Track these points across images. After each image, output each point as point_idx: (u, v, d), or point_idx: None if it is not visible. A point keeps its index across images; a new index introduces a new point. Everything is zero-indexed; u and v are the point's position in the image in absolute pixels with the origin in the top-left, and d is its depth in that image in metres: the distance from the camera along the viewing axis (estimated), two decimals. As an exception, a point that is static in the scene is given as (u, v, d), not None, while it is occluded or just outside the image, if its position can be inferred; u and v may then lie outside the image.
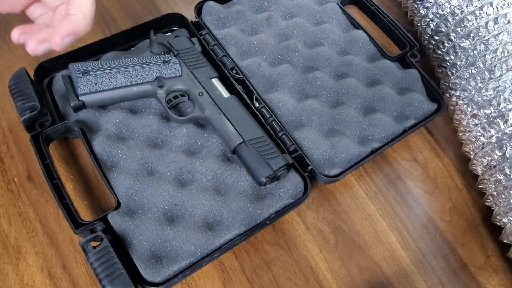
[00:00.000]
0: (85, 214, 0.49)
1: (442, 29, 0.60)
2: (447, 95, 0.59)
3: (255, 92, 0.56)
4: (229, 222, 0.47)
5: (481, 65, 0.53)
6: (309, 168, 0.51)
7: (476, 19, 0.54)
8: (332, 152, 0.53)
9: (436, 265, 0.50)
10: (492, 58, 0.52)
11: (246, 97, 0.54)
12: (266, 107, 0.55)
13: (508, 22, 0.52)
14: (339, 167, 0.52)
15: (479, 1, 0.54)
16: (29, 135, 0.48)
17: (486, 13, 0.53)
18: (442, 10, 0.59)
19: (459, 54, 0.56)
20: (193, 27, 0.59)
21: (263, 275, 0.48)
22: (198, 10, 0.62)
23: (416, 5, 0.64)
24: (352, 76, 0.60)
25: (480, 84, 0.53)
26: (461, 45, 0.56)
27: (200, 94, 0.52)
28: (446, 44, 0.59)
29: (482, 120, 0.52)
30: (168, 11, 0.61)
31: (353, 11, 0.68)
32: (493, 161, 0.51)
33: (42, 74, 0.53)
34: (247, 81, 0.57)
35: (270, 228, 0.51)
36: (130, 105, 0.54)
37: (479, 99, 0.52)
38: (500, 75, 0.50)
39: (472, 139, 0.53)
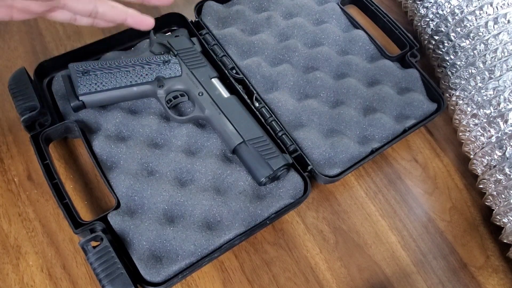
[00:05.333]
0: (85, 214, 0.49)
1: (442, 29, 0.60)
2: (447, 95, 0.59)
3: (255, 92, 0.56)
4: (229, 222, 0.47)
5: (481, 65, 0.53)
6: (309, 168, 0.51)
7: (476, 19, 0.54)
8: (332, 152, 0.53)
9: (436, 265, 0.50)
10: (492, 58, 0.52)
11: (246, 97, 0.54)
12: (266, 107, 0.55)
13: (508, 22, 0.51)
14: (339, 167, 0.52)
15: (479, 1, 0.54)
16: (29, 135, 0.48)
17: (486, 13, 0.53)
18: (442, 10, 0.59)
19: (459, 54, 0.56)
20: (193, 27, 0.59)
21: (263, 275, 0.48)
22: (198, 10, 0.62)
23: (416, 5, 0.64)
24: (352, 76, 0.60)
25: (480, 84, 0.53)
26: (461, 45, 0.56)
27: (200, 94, 0.52)
28: (446, 44, 0.59)
29: (482, 120, 0.52)
30: (168, 11, 0.61)
31: (353, 11, 0.68)
32: (493, 161, 0.51)
33: (42, 74, 0.53)
34: (247, 81, 0.57)
35: (270, 228, 0.51)
36: (130, 105, 0.54)
37: (479, 99, 0.52)
38: (500, 75, 0.50)
39: (472, 139, 0.53)
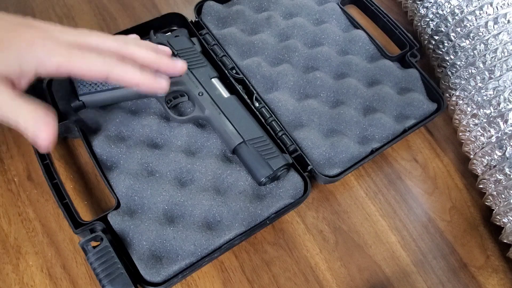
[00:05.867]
0: (85, 214, 0.49)
1: (442, 29, 0.60)
2: (447, 95, 0.59)
3: (255, 92, 0.56)
4: (229, 222, 0.47)
5: (481, 65, 0.53)
6: (309, 168, 0.51)
7: (476, 19, 0.54)
8: (332, 152, 0.53)
9: (436, 265, 0.50)
10: (492, 58, 0.52)
11: (246, 97, 0.54)
12: (266, 107, 0.55)
13: (508, 22, 0.51)
14: (339, 167, 0.52)
15: (479, 1, 0.54)
16: (29, 135, 0.48)
17: (486, 13, 0.53)
18: (442, 10, 0.59)
19: (459, 54, 0.56)
20: (193, 27, 0.59)
21: (263, 275, 0.48)
22: (198, 10, 0.62)
23: (416, 5, 0.64)
24: (352, 76, 0.60)
25: (480, 84, 0.53)
26: (461, 45, 0.56)
27: (200, 94, 0.52)
28: (446, 44, 0.59)
29: (482, 120, 0.52)
30: (168, 11, 0.61)
31: (353, 11, 0.68)
32: (493, 161, 0.51)
33: (42, 74, 0.53)
34: (247, 81, 0.57)
35: (270, 228, 0.51)
36: (130, 105, 0.54)
37: (479, 99, 0.52)
38: (500, 75, 0.50)
39: (472, 139, 0.53)
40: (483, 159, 0.52)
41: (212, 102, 0.52)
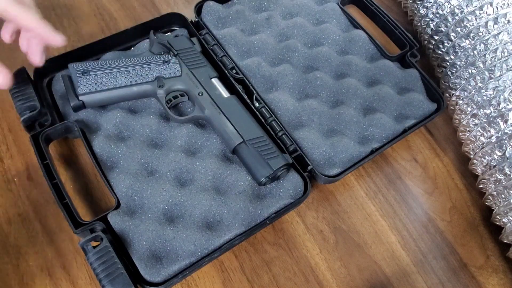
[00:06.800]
0: (85, 214, 0.49)
1: (442, 29, 0.60)
2: (447, 95, 0.59)
3: (255, 92, 0.56)
4: (229, 222, 0.47)
5: (481, 65, 0.53)
6: (309, 168, 0.51)
7: (476, 19, 0.54)
8: (332, 152, 0.53)
9: (436, 265, 0.50)
10: (492, 58, 0.52)
11: (246, 97, 0.54)
12: (266, 107, 0.55)
13: (508, 22, 0.51)
14: (339, 167, 0.52)
15: (479, 1, 0.54)
16: (29, 135, 0.48)
17: (486, 13, 0.53)
18: (442, 10, 0.59)
19: (459, 54, 0.56)
20: (193, 27, 0.59)
21: (263, 275, 0.48)
22: (198, 10, 0.62)
23: (416, 5, 0.64)
24: (352, 76, 0.60)
25: (480, 84, 0.53)
26: (461, 45, 0.56)
27: (200, 94, 0.52)
28: (446, 44, 0.59)
29: (482, 120, 0.52)
30: (168, 11, 0.61)
31: (353, 11, 0.68)
32: (493, 161, 0.51)
33: (42, 74, 0.53)
34: (247, 81, 0.57)
35: (270, 228, 0.51)
36: (130, 105, 0.54)
37: (479, 99, 0.52)
38: (500, 75, 0.50)
39: (472, 139, 0.53)
40: (483, 159, 0.52)
41: (212, 102, 0.52)
